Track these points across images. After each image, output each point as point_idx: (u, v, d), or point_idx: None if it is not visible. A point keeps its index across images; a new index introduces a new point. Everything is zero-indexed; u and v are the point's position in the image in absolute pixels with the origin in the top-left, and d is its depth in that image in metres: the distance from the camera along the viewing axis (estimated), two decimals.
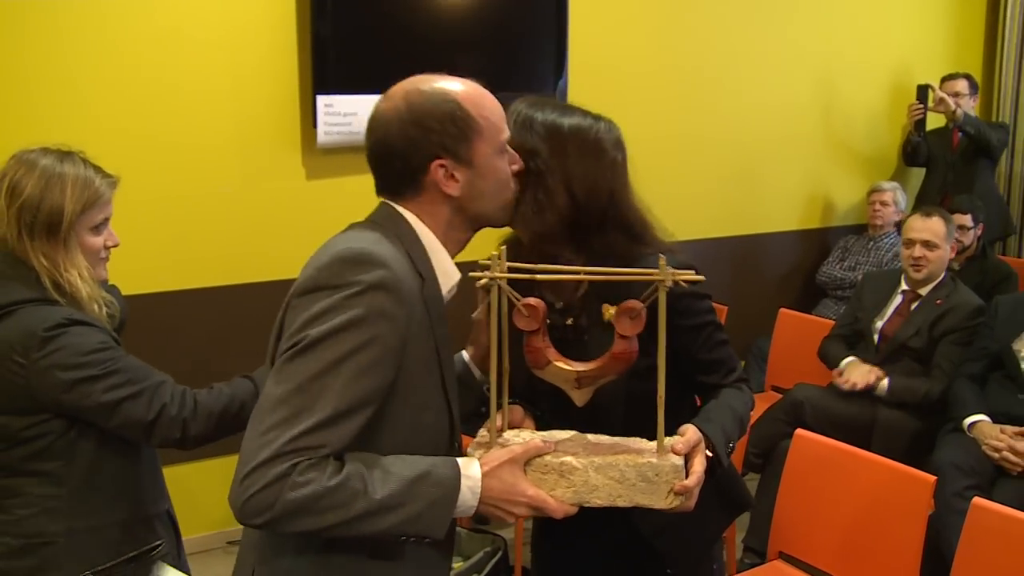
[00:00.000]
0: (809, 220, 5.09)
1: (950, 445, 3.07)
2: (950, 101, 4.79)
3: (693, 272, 1.36)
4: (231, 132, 3.44)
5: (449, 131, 1.41)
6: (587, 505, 1.37)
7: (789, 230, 4.99)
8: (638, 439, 1.44)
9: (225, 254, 3.49)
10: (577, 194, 1.54)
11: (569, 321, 1.61)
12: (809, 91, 4.94)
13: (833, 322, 4.06)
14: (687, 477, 1.38)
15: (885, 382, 3.39)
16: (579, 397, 1.43)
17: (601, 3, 4.16)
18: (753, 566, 3.17)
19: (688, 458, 1.40)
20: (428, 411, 1.40)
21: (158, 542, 1.96)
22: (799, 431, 2.77)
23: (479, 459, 1.35)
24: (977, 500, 2.32)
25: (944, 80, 5.00)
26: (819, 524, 2.67)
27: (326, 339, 1.29)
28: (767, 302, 4.61)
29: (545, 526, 1.82)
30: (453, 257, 1.49)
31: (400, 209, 1.47)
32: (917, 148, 5.06)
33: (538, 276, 1.40)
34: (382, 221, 1.47)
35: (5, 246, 1.78)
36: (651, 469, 1.36)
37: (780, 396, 4.03)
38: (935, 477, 2.44)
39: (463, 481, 1.33)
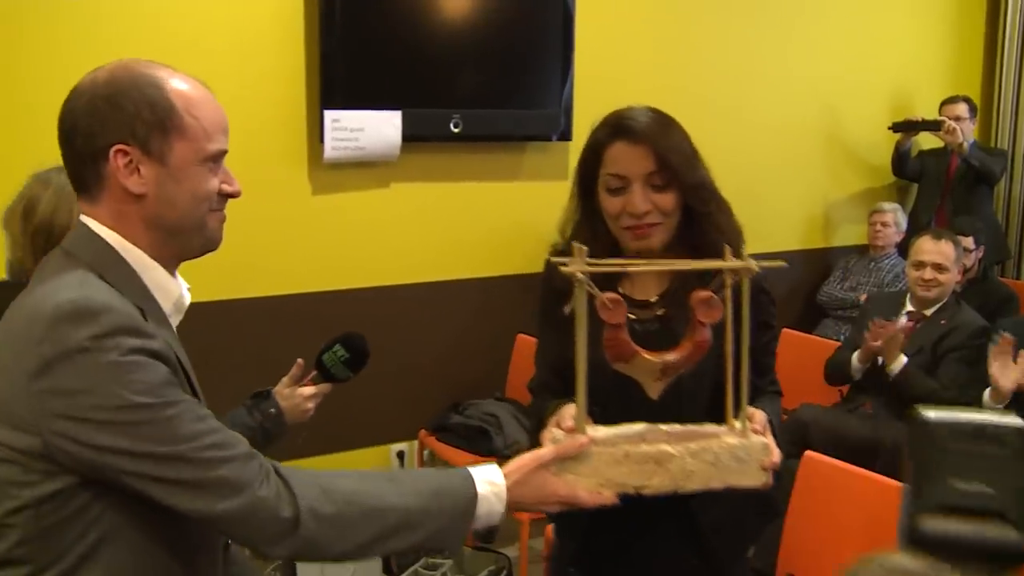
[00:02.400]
0: (810, 240, 5.10)
1: None
2: (960, 135, 4.82)
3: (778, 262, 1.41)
4: (237, 146, 3.34)
5: (143, 116, 1.26)
6: (681, 491, 1.40)
7: (790, 250, 5.00)
8: (708, 425, 1.47)
9: (230, 268, 3.47)
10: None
11: (659, 312, 1.61)
12: (809, 111, 4.96)
13: (835, 342, 4.08)
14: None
15: (903, 358, 3.40)
16: (656, 389, 1.43)
17: (607, 20, 4.18)
18: None
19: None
20: None
21: None
22: (808, 453, 2.77)
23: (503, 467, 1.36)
24: None
25: (944, 103, 5.03)
26: (827, 546, 2.66)
27: (130, 408, 1.17)
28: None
29: (566, 549, 1.79)
30: (174, 272, 1.37)
31: (94, 226, 1.30)
32: (904, 159, 5.10)
33: (629, 268, 1.44)
34: (77, 251, 1.29)
35: (24, 275, 1.68)
36: (742, 450, 1.41)
37: (783, 416, 4.04)
38: None
39: (488, 488, 1.34)
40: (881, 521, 2.53)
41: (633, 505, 1.57)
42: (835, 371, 3.66)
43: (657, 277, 1.63)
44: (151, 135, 1.26)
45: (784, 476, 3.22)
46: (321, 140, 3.51)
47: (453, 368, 3.96)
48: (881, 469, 3.13)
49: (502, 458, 3.55)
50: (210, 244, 1.40)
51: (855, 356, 3.53)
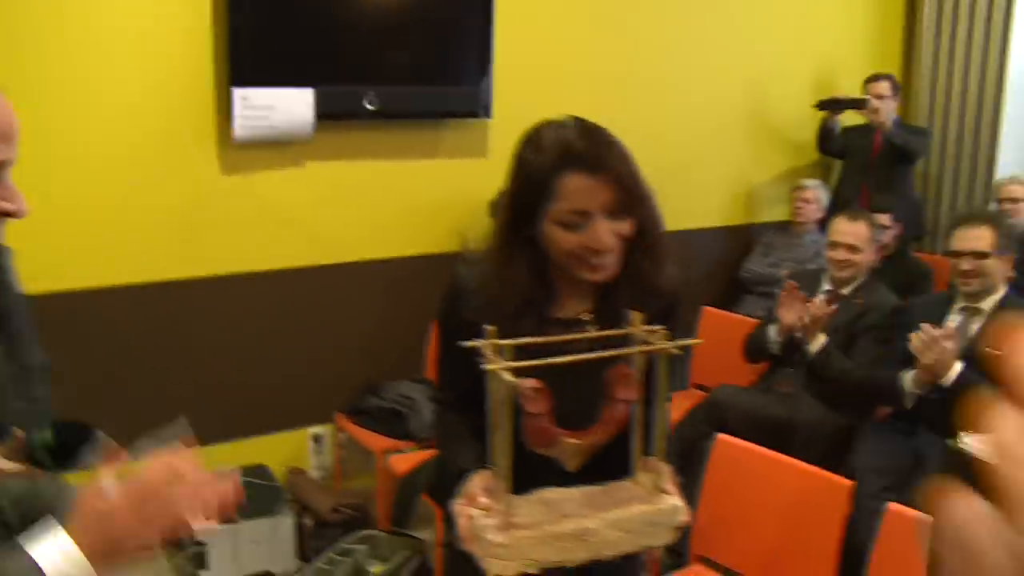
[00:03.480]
0: (733, 216, 5.12)
1: (865, 447, 3.11)
2: (884, 114, 4.87)
3: (690, 339, 1.44)
4: (143, 127, 3.30)
5: None
6: (600, 559, 1.40)
7: (713, 226, 5.02)
8: (622, 483, 1.48)
9: (138, 252, 3.36)
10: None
11: (591, 330, 1.57)
12: (734, 90, 4.95)
13: (757, 320, 4.10)
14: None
15: (823, 337, 3.41)
16: (575, 464, 1.45)
17: None
18: (673, 567, 3.18)
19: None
20: None
21: None
22: (721, 436, 2.78)
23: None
24: (892, 505, 2.34)
25: (868, 81, 5.06)
26: (739, 528, 2.68)
27: None
28: (690, 300, 4.60)
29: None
30: None
31: None
32: (830, 135, 5.13)
33: (551, 362, 1.32)
34: None
35: None
36: (657, 515, 1.43)
37: (703, 394, 4.06)
38: (853, 481, 2.46)
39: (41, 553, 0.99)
40: (794, 503, 2.55)
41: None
42: (753, 346, 3.67)
43: (585, 294, 1.60)
44: None
45: (699, 456, 3.25)
46: (230, 119, 3.40)
47: (371, 349, 3.90)
48: (798, 449, 3.17)
49: (418, 441, 3.55)
50: None
51: (772, 329, 3.54)
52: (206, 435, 3.69)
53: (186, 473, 1.09)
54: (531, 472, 1.47)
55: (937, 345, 2.91)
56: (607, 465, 1.49)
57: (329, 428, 3.89)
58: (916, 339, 2.94)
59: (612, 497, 1.45)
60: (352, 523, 3.39)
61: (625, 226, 1.50)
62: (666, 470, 1.46)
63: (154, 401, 3.44)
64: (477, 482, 1.42)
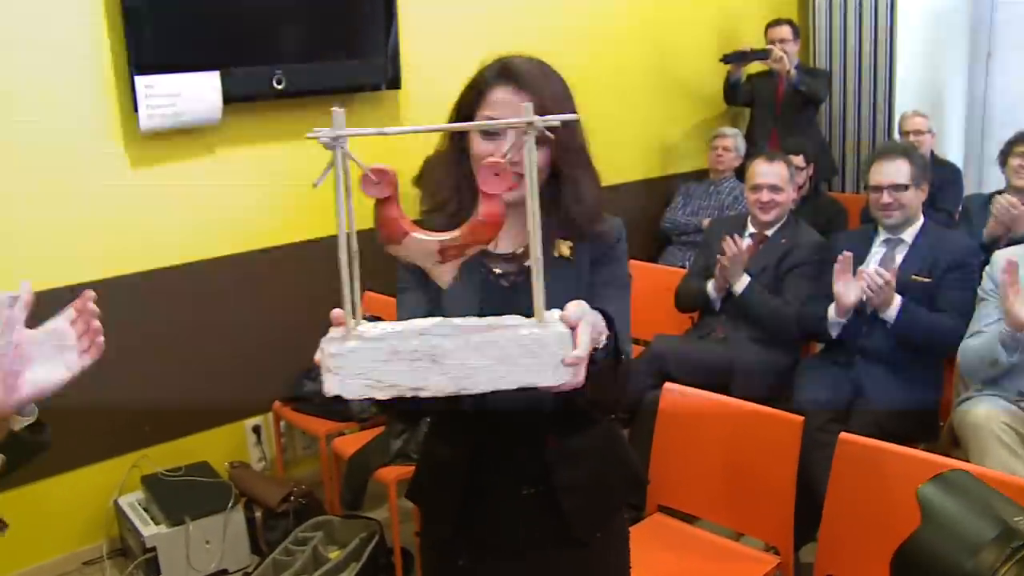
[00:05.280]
0: (650, 170, 5.16)
1: (808, 382, 3.17)
2: (787, 62, 4.95)
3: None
4: (41, 125, 3.13)
5: None
6: (468, 392, 1.20)
7: (632, 180, 5.05)
8: (514, 316, 1.27)
9: (45, 255, 3.21)
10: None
11: (526, 263, 1.48)
12: (641, 45, 4.99)
13: (682, 269, 4.14)
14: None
15: (746, 277, 3.47)
16: (442, 275, 1.25)
17: None
18: (631, 520, 3.21)
19: (573, 329, 1.24)
20: None
21: None
22: (667, 384, 2.79)
23: None
24: (844, 436, 2.39)
25: (769, 27, 5.14)
26: (695, 474, 2.70)
27: None
28: None
29: (440, 533, 1.71)
30: None
31: None
32: (736, 87, 5.21)
33: (387, 131, 1.25)
34: None
35: None
36: (535, 342, 1.20)
37: (637, 347, 4.09)
38: (802, 417, 2.51)
39: None
40: (746, 444, 2.58)
41: (496, 478, 1.59)
42: (689, 299, 3.70)
43: (521, 228, 1.53)
44: None
45: (647, 408, 3.27)
46: (135, 109, 3.26)
47: (302, 334, 3.75)
48: (736, 391, 3.21)
49: (360, 422, 3.49)
50: None
51: (710, 285, 3.57)
52: (140, 439, 3.59)
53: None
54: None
55: (888, 287, 3.00)
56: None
57: (268, 417, 3.81)
58: (870, 281, 3.02)
59: (490, 325, 1.24)
60: (303, 511, 3.33)
61: (541, 153, 1.49)
62: (573, 305, 1.26)
63: (77, 411, 3.31)
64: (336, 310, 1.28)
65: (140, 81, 3.23)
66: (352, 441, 3.40)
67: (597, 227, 1.59)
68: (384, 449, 3.16)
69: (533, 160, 1.20)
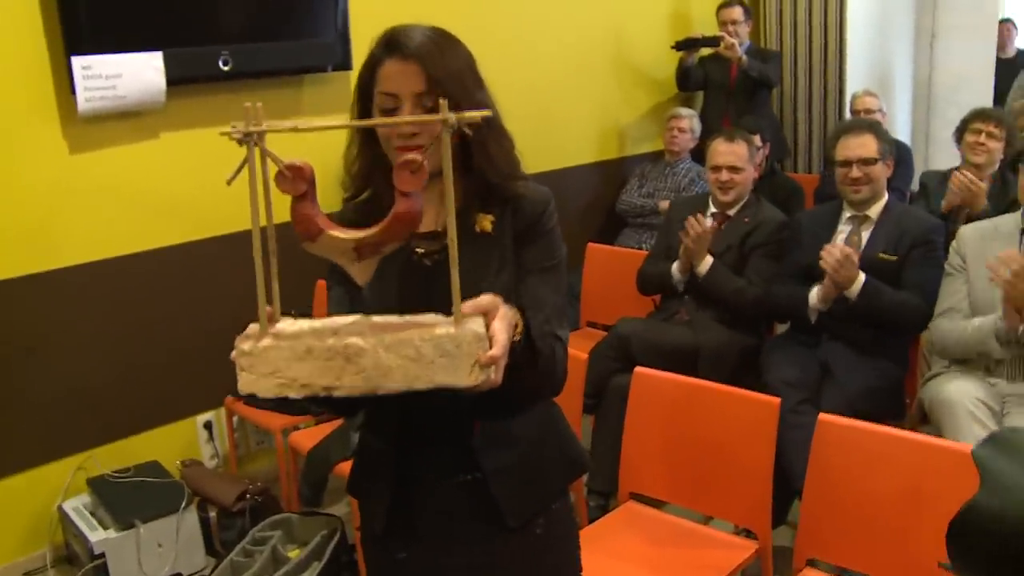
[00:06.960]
0: (605, 152, 5.10)
1: (776, 363, 3.13)
2: (738, 49, 4.95)
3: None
4: None
5: None
6: (383, 392, 1.19)
7: (587, 163, 4.98)
8: (432, 315, 1.25)
9: None
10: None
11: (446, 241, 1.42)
12: (594, 32, 4.92)
13: (640, 251, 4.09)
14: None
15: (710, 258, 3.41)
16: (359, 272, 1.25)
17: None
18: (600, 508, 3.14)
19: (489, 327, 1.22)
20: None
21: None
22: (638, 369, 2.72)
23: None
24: (823, 416, 2.34)
25: (721, 7, 5.11)
26: (668, 461, 2.64)
27: None
28: (572, 238, 4.55)
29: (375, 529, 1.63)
30: None
31: None
32: (689, 73, 5.19)
33: (300, 128, 1.23)
34: None
35: None
36: (450, 341, 1.18)
37: (598, 331, 4.03)
38: (779, 398, 2.46)
39: None
40: (721, 427, 2.52)
41: (426, 467, 1.55)
42: (652, 283, 3.64)
43: (440, 205, 1.48)
44: None
45: (613, 392, 3.20)
46: (73, 92, 3.08)
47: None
48: (702, 372, 3.17)
49: (315, 415, 3.37)
50: None
51: (675, 267, 3.51)
52: (85, 439, 3.43)
53: None
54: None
55: (849, 262, 2.95)
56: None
57: (220, 412, 3.67)
58: (828, 257, 2.97)
59: (406, 324, 1.23)
60: (259, 509, 3.20)
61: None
62: (487, 298, 1.24)
63: (18, 409, 3.15)
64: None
65: (77, 62, 3.05)
66: (309, 435, 3.28)
67: (514, 187, 1.53)
68: (345, 442, 3.05)
69: (448, 158, 1.16)
